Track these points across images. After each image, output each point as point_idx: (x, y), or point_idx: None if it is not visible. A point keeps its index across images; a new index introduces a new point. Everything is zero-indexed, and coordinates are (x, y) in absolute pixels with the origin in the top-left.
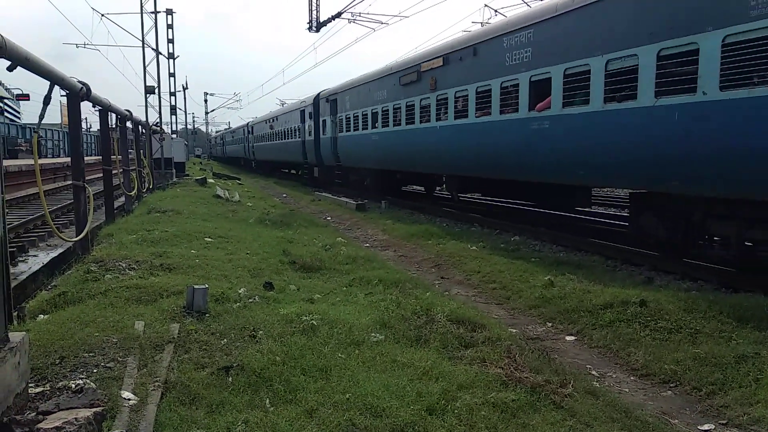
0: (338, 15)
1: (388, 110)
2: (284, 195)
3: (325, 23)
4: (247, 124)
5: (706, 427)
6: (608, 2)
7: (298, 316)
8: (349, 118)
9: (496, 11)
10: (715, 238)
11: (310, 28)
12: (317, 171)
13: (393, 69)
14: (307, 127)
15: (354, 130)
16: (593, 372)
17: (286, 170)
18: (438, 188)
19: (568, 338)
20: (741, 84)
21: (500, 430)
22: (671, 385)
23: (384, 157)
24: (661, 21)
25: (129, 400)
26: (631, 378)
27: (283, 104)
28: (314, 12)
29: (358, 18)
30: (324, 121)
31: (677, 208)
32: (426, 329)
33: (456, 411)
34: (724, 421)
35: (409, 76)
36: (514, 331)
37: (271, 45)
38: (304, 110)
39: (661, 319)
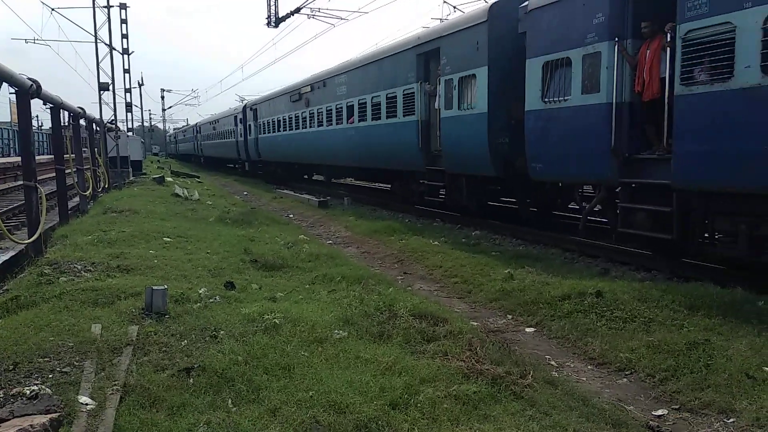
0: (297, 11)
1: (286, 119)
2: (245, 193)
3: (284, 19)
4: (196, 124)
5: (659, 412)
6: (368, 66)
7: (260, 315)
8: (266, 123)
9: (454, 7)
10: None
11: (268, 24)
12: (247, 165)
13: (287, 90)
14: (239, 130)
15: (269, 133)
16: (552, 362)
17: (231, 165)
18: (333, 178)
19: (527, 330)
20: (408, 113)
21: (462, 422)
22: (626, 372)
23: (286, 153)
24: (386, 79)
25: (87, 405)
26: (589, 367)
27: (242, 100)
28: (272, 7)
29: (317, 14)
30: (250, 125)
31: (408, 179)
32: (389, 325)
33: (419, 405)
34: (677, 406)
35: (294, 96)
36: (476, 324)
37: (231, 40)
38: (236, 116)
39: (616, 308)
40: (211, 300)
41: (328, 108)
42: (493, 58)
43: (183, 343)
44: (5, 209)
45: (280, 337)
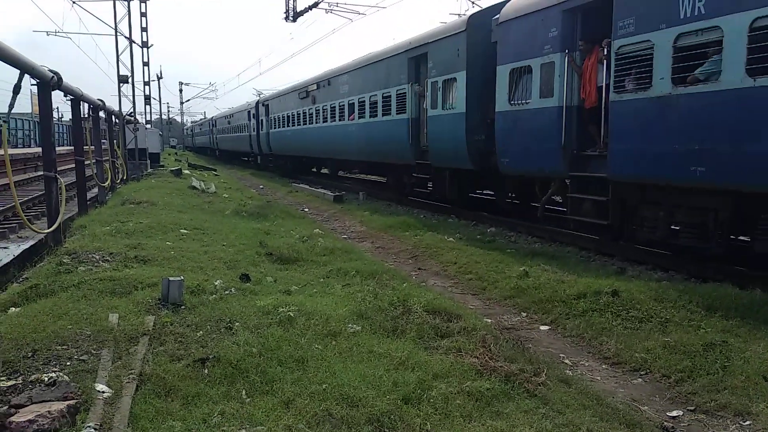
0: (315, 5)
1: (294, 114)
2: (261, 186)
3: (302, 13)
4: (212, 118)
5: (674, 413)
6: (367, 67)
7: (274, 307)
8: (276, 118)
9: (473, 2)
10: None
11: (287, 18)
12: (259, 158)
13: (296, 88)
14: (252, 124)
15: (279, 128)
16: (566, 360)
17: (246, 158)
18: (340, 171)
19: (542, 328)
20: (401, 111)
21: (475, 419)
22: (641, 372)
23: (294, 147)
24: (382, 80)
25: (103, 392)
26: (603, 366)
27: (259, 94)
28: (291, 1)
29: (335, 8)
30: (262, 120)
31: (400, 172)
32: (402, 320)
33: (431, 400)
34: (692, 408)
35: (302, 93)
36: (490, 321)
37: (250, 34)
38: (249, 111)
39: (632, 308)
40: (226, 292)
41: (332, 105)
42: (470, 64)
43: (198, 334)
44: (26, 199)
45: (294, 330)
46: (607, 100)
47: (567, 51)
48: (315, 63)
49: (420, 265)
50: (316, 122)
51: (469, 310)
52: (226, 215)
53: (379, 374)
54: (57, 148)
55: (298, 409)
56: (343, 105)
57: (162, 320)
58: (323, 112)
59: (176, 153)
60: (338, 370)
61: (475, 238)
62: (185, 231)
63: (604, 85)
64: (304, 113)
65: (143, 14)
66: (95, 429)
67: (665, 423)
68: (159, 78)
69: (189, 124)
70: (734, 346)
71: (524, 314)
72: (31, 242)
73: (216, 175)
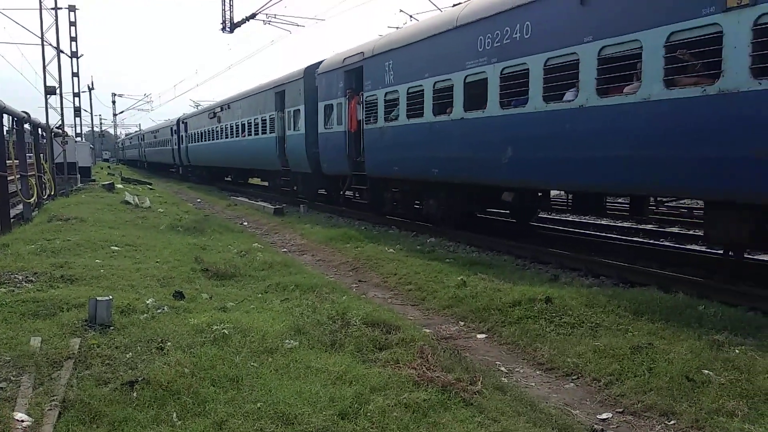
0: (252, 16)
1: (206, 131)
2: (198, 200)
3: (239, 24)
4: (140, 133)
5: (604, 416)
6: (252, 97)
7: (209, 325)
8: (193, 134)
9: (411, 16)
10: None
11: (223, 29)
12: (181, 170)
13: (206, 109)
14: (174, 139)
15: (195, 142)
16: (502, 368)
17: (171, 169)
18: (251, 179)
19: (479, 336)
20: (272, 132)
21: (411, 430)
22: (573, 377)
23: (207, 158)
24: (261, 107)
25: (22, 421)
26: (537, 372)
27: (197, 106)
28: (227, 12)
29: (273, 20)
30: (182, 135)
31: (275, 177)
32: (341, 333)
33: (368, 414)
34: (621, 410)
35: (211, 114)
36: (428, 331)
37: (187, 45)
38: (172, 127)
39: (564, 314)
40: (158, 310)
41: (232, 125)
42: (306, 100)
43: (127, 356)
44: None
45: (229, 348)
46: (363, 128)
47: (346, 96)
48: (256, 73)
49: (361, 277)
50: (221, 138)
51: (408, 321)
52: (160, 230)
53: (316, 390)
54: None
55: (232, 430)
56: (239, 125)
57: (88, 342)
58: (226, 130)
59: (109, 166)
60: (274, 387)
61: (415, 249)
62: (116, 248)
63: (362, 118)
64: (213, 130)
65: (72, 23)
66: None
67: (595, 426)
68: (90, 89)
69: (123, 137)
70: (659, 348)
71: (462, 323)
72: None
73: (151, 188)
